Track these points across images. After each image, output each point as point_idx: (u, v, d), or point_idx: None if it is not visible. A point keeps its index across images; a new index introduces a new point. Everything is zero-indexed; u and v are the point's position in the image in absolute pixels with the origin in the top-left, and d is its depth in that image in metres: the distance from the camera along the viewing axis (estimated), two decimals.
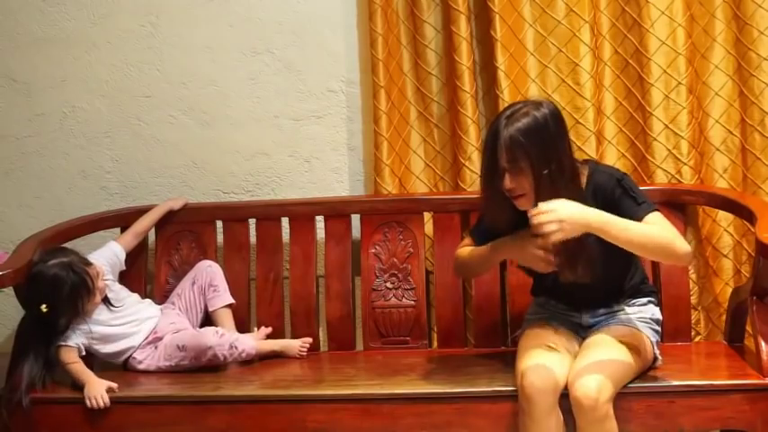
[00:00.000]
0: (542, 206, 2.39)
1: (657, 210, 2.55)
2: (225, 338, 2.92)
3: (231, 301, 3.11)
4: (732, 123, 3.12)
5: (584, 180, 2.61)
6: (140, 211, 3.27)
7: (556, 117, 2.56)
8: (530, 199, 2.54)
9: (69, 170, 3.44)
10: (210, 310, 3.10)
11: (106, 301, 2.97)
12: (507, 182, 2.53)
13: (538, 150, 2.49)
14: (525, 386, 2.45)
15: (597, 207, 2.48)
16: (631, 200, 2.54)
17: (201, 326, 3.08)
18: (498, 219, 2.64)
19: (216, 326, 3.03)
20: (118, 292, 3.04)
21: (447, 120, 3.21)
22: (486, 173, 2.59)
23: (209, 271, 3.11)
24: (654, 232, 2.47)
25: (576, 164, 2.62)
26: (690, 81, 3.07)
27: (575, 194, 2.50)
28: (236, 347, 2.92)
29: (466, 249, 2.75)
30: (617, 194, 2.56)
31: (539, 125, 2.50)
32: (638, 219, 2.50)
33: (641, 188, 2.98)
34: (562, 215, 2.37)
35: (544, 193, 2.48)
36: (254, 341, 3.01)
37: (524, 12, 3.14)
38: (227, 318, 3.10)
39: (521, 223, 2.57)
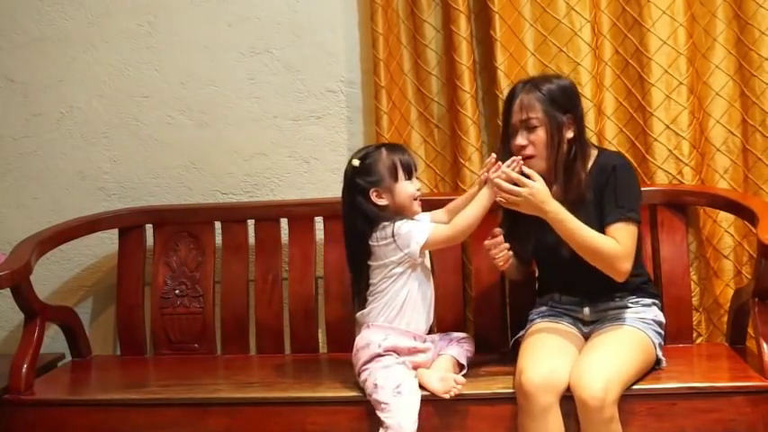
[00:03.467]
0: (527, 171, 2.55)
1: (630, 219, 2.61)
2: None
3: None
4: (733, 124, 3.10)
5: (590, 163, 2.70)
6: (138, 212, 3.27)
7: (573, 90, 2.71)
8: (539, 160, 2.64)
9: (67, 171, 3.42)
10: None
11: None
12: (519, 139, 2.63)
13: (551, 110, 2.62)
14: (523, 383, 2.45)
15: (595, 188, 2.63)
16: (612, 198, 2.62)
17: None
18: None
19: None
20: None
21: (447, 120, 3.20)
22: (502, 137, 2.72)
23: None
24: (600, 245, 2.57)
25: (587, 144, 2.72)
26: (691, 81, 3.05)
27: (584, 166, 2.64)
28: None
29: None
30: (609, 182, 2.64)
31: (556, 90, 2.65)
32: (607, 222, 2.60)
33: (641, 189, 2.99)
34: (531, 192, 2.53)
35: (550, 156, 2.61)
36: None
37: (524, 11, 3.13)
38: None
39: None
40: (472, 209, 2.61)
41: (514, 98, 2.66)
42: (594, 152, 2.73)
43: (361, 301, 2.70)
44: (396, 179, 2.65)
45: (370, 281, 2.67)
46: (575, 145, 2.65)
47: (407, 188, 2.66)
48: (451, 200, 2.84)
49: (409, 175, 2.67)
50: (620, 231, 2.59)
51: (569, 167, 2.64)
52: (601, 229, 2.60)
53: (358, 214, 2.65)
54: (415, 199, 2.68)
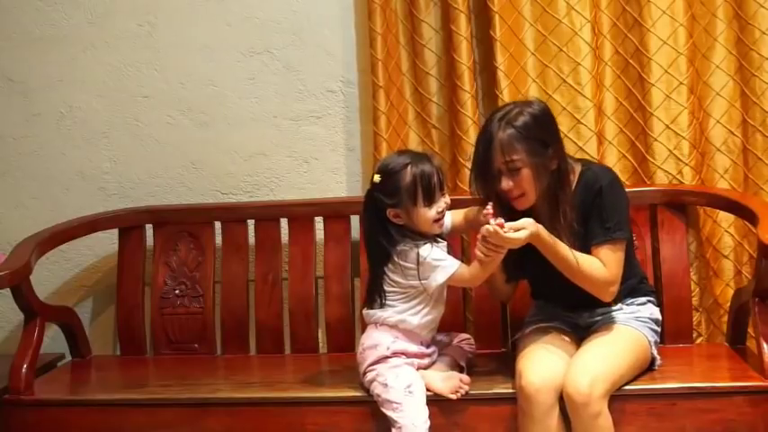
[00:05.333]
0: (512, 224, 2.45)
1: (618, 239, 2.57)
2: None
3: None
4: (733, 124, 3.10)
5: (575, 179, 2.65)
6: (138, 212, 3.27)
7: (547, 115, 2.61)
8: (529, 198, 2.57)
9: (66, 171, 3.42)
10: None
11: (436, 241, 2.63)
12: (504, 184, 2.55)
13: (534, 148, 2.53)
14: (524, 386, 2.45)
15: (580, 205, 2.58)
16: (599, 219, 2.58)
17: None
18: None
19: None
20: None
21: (446, 120, 3.19)
22: (480, 176, 2.59)
23: None
24: (582, 265, 2.54)
25: (569, 162, 2.65)
26: (691, 81, 3.05)
27: (566, 193, 2.57)
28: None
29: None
30: (594, 204, 2.59)
31: (532, 123, 2.54)
32: (594, 244, 2.57)
33: (641, 189, 3.00)
34: (523, 238, 2.46)
35: (537, 192, 2.55)
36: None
37: (524, 11, 3.12)
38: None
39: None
40: (491, 263, 2.55)
41: (491, 138, 2.53)
42: (578, 168, 2.66)
43: (370, 299, 2.67)
44: (414, 203, 2.56)
45: (385, 287, 2.63)
46: (557, 174, 2.57)
47: (426, 214, 2.56)
48: (451, 200, 2.83)
49: (430, 200, 2.57)
50: (607, 255, 2.56)
51: (553, 197, 2.57)
52: (584, 246, 2.57)
53: (378, 224, 2.61)
54: (436, 221, 2.60)
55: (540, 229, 2.49)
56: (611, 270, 2.56)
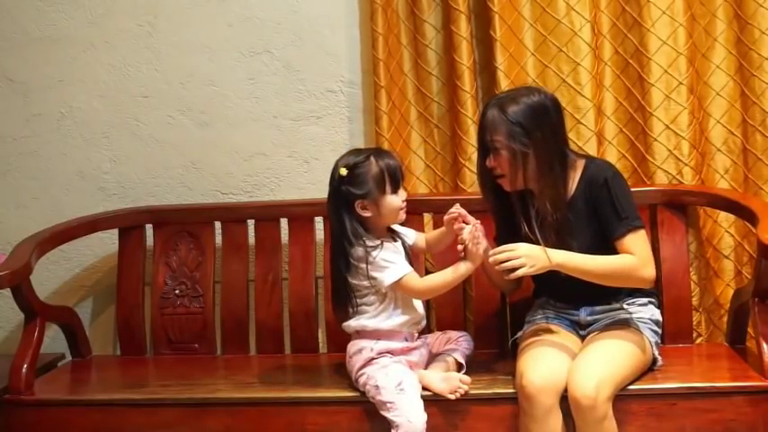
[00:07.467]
0: (500, 250, 2.52)
1: (639, 226, 2.61)
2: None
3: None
4: (733, 124, 3.10)
5: (578, 173, 2.67)
6: (138, 212, 3.27)
7: (544, 106, 2.64)
8: (509, 180, 2.63)
9: (67, 171, 3.42)
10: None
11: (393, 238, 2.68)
12: (489, 160, 2.64)
13: (513, 133, 2.57)
14: (525, 385, 2.45)
15: (586, 200, 2.62)
16: (614, 212, 2.60)
17: None
18: (485, 195, 2.74)
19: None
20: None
21: (447, 120, 3.20)
22: (478, 150, 2.72)
23: None
24: (613, 266, 2.57)
25: (568, 156, 2.68)
26: (691, 81, 3.05)
27: (555, 185, 2.60)
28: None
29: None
30: (602, 197, 2.62)
31: (520, 110, 2.60)
32: (616, 238, 2.59)
33: (641, 189, 3.00)
34: (522, 252, 2.50)
35: (518, 177, 2.60)
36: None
37: (524, 11, 3.12)
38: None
39: (503, 204, 2.68)
40: (448, 276, 2.59)
41: (483, 115, 2.65)
42: (581, 162, 2.69)
43: (343, 311, 2.68)
44: (383, 192, 2.61)
45: (351, 295, 2.65)
46: (541, 166, 2.60)
47: (394, 202, 2.62)
48: (451, 200, 2.83)
49: (396, 187, 2.63)
50: (633, 242, 2.58)
51: (544, 185, 2.61)
52: (595, 238, 2.60)
53: (340, 223, 2.63)
54: (401, 209, 2.65)
55: (557, 257, 2.52)
56: (640, 254, 2.58)
